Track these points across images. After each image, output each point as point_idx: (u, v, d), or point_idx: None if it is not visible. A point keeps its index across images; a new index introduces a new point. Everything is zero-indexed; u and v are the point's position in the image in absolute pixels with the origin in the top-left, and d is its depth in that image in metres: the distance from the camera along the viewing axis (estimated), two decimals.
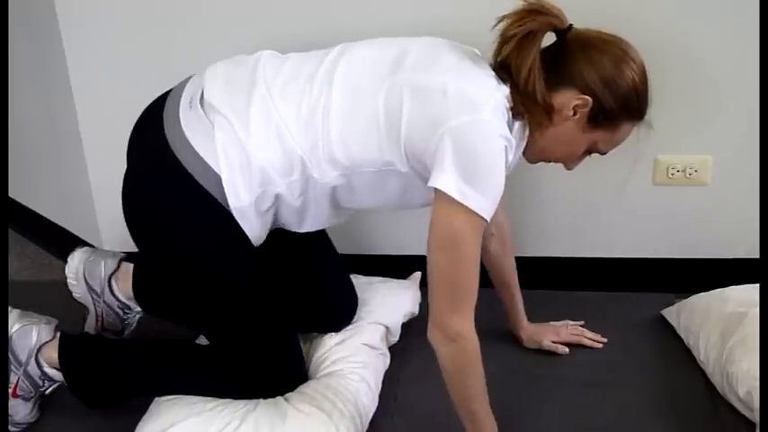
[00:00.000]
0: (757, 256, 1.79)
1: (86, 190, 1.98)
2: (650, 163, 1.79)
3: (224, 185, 1.27)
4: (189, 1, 1.75)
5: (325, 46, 1.36)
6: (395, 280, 1.79)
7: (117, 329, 1.70)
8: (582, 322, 1.73)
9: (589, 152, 1.35)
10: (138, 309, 1.70)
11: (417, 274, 1.82)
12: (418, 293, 1.78)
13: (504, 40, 1.24)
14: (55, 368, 1.49)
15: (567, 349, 1.65)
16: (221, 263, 1.35)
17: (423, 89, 1.23)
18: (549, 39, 1.27)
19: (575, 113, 1.26)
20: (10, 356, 1.47)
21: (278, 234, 1.46)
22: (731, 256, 1.86)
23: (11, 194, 2.32)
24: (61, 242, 2.07)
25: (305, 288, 1.57)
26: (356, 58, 1.31)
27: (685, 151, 1.77)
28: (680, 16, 1.64)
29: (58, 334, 1.52)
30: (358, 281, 1.69)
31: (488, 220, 1.22)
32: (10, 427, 1.51)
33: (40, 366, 1.48)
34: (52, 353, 1.49)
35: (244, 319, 1.40)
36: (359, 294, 1.66)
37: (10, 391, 1.47)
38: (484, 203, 1.20)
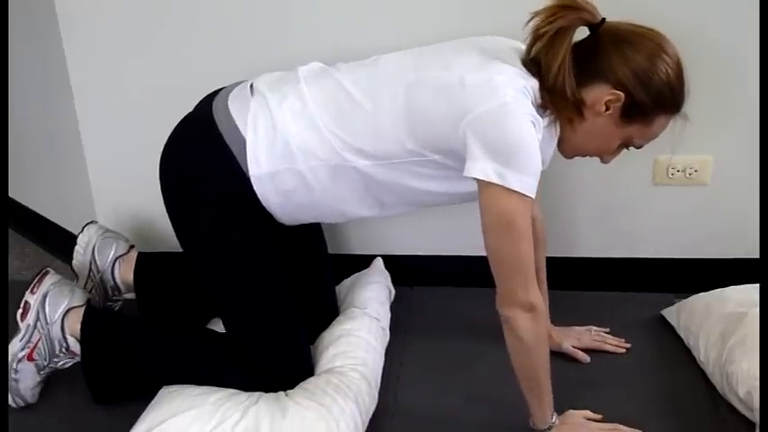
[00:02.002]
0: (757, 256, 1.79)
1: (86, 190, 1.98)
2: (650, 163, 1.79)
3: (247, 149, 1.34)
4: (188, 1, 1.75)
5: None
6: (361, 272, 1.83)
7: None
8: (607, 329, 1.71)
9: (625, 146, 1.35)
10: (127, 296, 1.77)
11: (378, 260, 1.87)
12: (387, 274, 1.85)
13: (535, 37, 1.26)
14: (75, 338, 1.53)
15: (587, 358, 1.64)
16: (233, 222, 1.40)
17: (442, 86, 1.27)
18: (583, 33, 1.28)
19: (607, 108, 1.27)
20: (39, 314, 1.52)
21: (286, 234, 1.50)
22: (731, 256, 1.86)
23: (11, 194, 2.32)
24: (61, 242, 2.07)
25: (307, 291, 1.60)
26: (384, 59, 1.39)
27: (685, 151, 1.77)
28: (679, 16, 1.64)
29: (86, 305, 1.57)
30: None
31: (532, 196, 1.23)
32: (10, 401, 1.54)
33: (63, 331, 1.52)
34: (76, 323, 1.53)
35: (253, 292, 1.43)
36: (339, 295, 1.75)
37: (27, 352, 1.52)
38: (524, 180, 1.22)
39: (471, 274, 1.64)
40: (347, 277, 1.84)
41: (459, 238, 1.87)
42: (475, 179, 1.24)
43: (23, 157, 2.20)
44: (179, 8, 1.75)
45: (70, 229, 2.16)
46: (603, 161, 1.39)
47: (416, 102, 1.28)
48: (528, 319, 1.29)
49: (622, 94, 1.24)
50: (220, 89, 1.46)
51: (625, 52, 1.24)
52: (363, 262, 1.86)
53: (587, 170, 1.80)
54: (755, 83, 1.64)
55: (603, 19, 1.27)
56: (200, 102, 1.46)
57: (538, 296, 1.30)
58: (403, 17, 1.69)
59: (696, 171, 1.78)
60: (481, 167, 1.22)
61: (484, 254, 1.76)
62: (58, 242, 2.20)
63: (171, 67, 1.81)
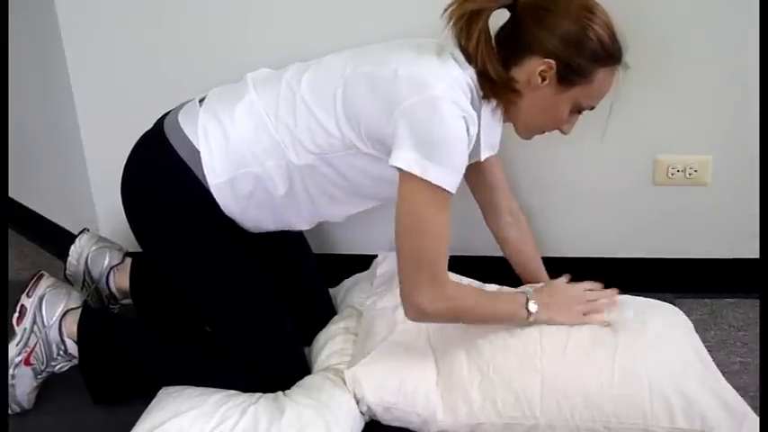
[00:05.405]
0: (757, 256, 1.79)
1: (86, 190, 1.98)
2: (650, 163, 1.79)
3: (202, 160, 1.35)
4: (189, 1, 1.75)
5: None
6: (361, 273, 1.82)
7: None
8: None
9: (578, 111, 1.35)
10: (124, 302, 1.77)
11: (378, 259, 1.84)
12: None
13: (450, 21, 1.27)
14: (73, 340, 1.52)
15: None
16: (200, 233, 1.41)
17: (376, 77, 1.28)
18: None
19: (543, 79, 1.28)
20: (36, 317, 1.51)
21: (265, 242, 1.51)
22: (731, 256, 1.86)
23: (11, 194, 2.32)
24: (61, 242, 2.06)
25: (297, 295, 1.61)
26: (325, 59, 1.41)
27: (685, 151, 1.77)
28: (680, 16, 1.64)
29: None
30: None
31: (451, 191, 1.24)
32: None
33: (60, 333, 1.52)
34: (74, 325, 1.52)
35: (233, 299, 1.44)
36: (336, 295, 1.76)
37: (24, 356, 1.50)
38: (444, 175, 1.23)
39: (470, 273, 1.64)
40: (347, 277, 1.84)
41: (458, 238, 1.87)
42: (397, 169, 1.24)
43: (23, 156, 2.20)
44: (179, 8, 1.75)
45: (70, 229, 2.16)
46: (563, 132, 1.39)
47: (351, 95, 1.30)
48: (440, 316, 1.34)
49: (553, 62, 1.26)
50: (170, 111, 1.48)
51: (548, 22, 1.26)
52: (363, 262, 1.86)
53: (587, 170, 1.80)
54: (755, 83, 1.64)
55: None
56: (154, 124, 1.48)
57: (434, 303, 1.30)
58: (360, 22, 1.70)
59: (696, 171, 1.78)
60: (404, 157, 1.22)
61: (483, 254, 1.77)
62: (57, 242, 2.19)
63: (171, 67, 1.81)
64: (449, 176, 1.23)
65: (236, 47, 1.76)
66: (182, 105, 1.47)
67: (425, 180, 1.22)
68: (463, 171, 1.26)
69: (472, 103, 1.27)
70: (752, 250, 1.82)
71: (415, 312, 1.31)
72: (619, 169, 1.80)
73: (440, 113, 1.21)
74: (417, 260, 1.28)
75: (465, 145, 1.25)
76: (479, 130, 1.31)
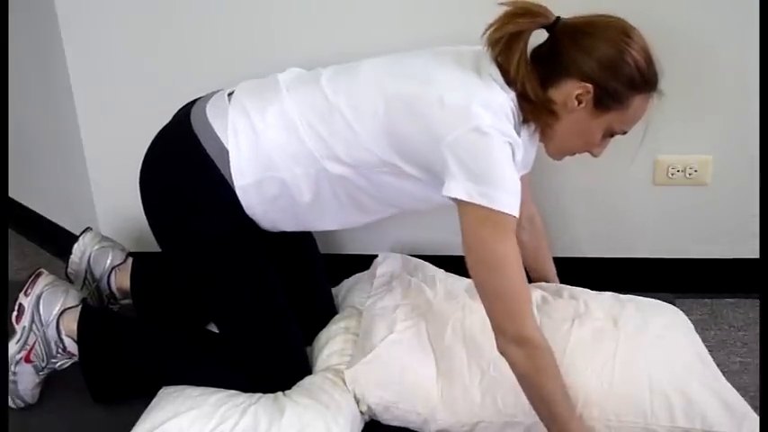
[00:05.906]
0: (757, 256, 1.79)
1: (86, 190, 1.98)
2: (650, 163, 1.79)
3: (230, 160, 1.33)
4: (189, 1, 1.75)
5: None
6: (361, 273, 1.82)
7: None
8: None
9: (609, 135, 1.34)
10: (124, 302, 1.77)
11: (378, 260, 1.83)
12: None
13: (489, 45, 1.27)
14: (71, 338, 1.52)
15: None
16: (219, 231, 1.39)
17: (420, 102, 1.26)
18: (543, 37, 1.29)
19: (579, 103, 1.27)
20: (34, 316, 1.52)
21: (276, 240, 1.50)
22: (731, 256, 1.87)
23: (11, 194, 2.32)
24: (61, 242, 2.07)
25: (302, 294, 1.60)
26: (363, 65, 1.37)
27: (685, 151, 1.78)
28: (680, 15, 1.64)
29: (82, 304, 1.56)
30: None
31: (515, 215, 1.22)
32: (9, 403, 1.54)
33: (58, 331, 1.52)
34: (72, 323, 1.52)
35: (244, 297, 1.43)
36: (337, 294, 1.76)
37: (24, 354, 1.51)
38: (506, 199, 1.21)
39: None
40: (347, 277, 1.84)
41: (459, 237, 1.87)
42: (454, 199, 1.22)
43: (23, 156, 2.20)
44: (180, 7, 1.76)
45: (70, 229, 2.16)
46: (593, 155, 1.38)
47: (396, 119, 1.27)
48: (521, 355, 1.24)
49: (591, 86, 1.25)
50: (195, 100, 1.45)
51: (586, 45, 1.25)
52: (363, 262, 1.86)
53: (588, 171, 1.80)
54: (755, 83, 1.64)
55: (558, 18, 1.28)
56: (177, 113, 1.45)
57: (529, 329, 1.24)
58: (385, 22, 1.70)
59: (696, 171, 1.78)
60: (462, 189, 1.20)
61: None
62: (57, 242, 2.20)
63: (172, 67, 1.81)
64: (512, 201, 1.21)
65: (237, 47, 1.76)
66: (208, 97, 1.43)
67: (491, 209, 1.20)
68: (519, 193, 1.23)
69: (514, 128, 1.26)
70: (752, 250, 1.82)
71: (498, 347, 1.27)
72: (619, 169, 1.80)
73: (487, 142, 1.20)
74: (499, 295, 1.24)
75: (513, 168, 1.23)
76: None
